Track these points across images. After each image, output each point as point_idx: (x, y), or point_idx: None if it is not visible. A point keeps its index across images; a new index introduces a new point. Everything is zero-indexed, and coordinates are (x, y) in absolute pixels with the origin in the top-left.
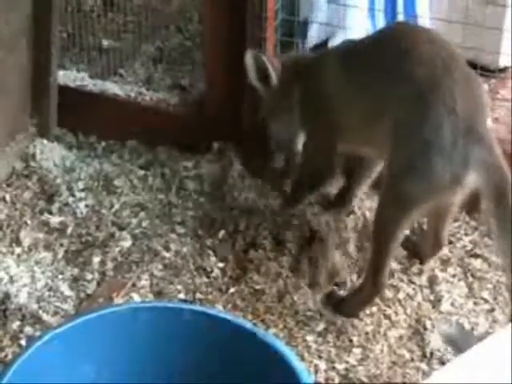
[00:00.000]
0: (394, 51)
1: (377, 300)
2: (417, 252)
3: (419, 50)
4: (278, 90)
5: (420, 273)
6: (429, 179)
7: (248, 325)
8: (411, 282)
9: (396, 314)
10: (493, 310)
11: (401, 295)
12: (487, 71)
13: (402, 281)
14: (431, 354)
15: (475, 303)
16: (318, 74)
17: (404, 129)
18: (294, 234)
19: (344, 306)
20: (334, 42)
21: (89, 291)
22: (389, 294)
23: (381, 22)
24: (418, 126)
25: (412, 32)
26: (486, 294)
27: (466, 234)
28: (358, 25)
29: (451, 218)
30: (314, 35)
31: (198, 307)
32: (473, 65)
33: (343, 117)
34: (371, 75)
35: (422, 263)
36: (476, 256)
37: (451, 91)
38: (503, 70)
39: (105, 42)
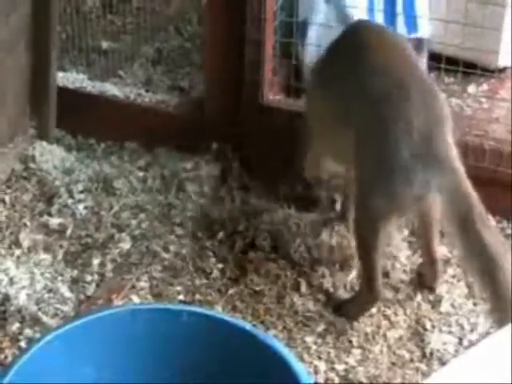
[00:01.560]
0: (352, 58)
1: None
2: (422, 281)
3: (376, 60)
4: None
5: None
6: (390, 197)
7: (247, 326)
8: (411, 282)
9: (395, 314)
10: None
11: (400, 296)
12: (487, 71)
13: (401, 281)
14: (431, 354)
15: (475, 303)
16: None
17: (363, 143)
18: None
19: (344, 309)
20: None
21: (88, 293)
22: (388, 294)
23: (379, 21)
24: (374, 143)
25: (370, 37)
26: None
27: None
28: None
29: (436, 228)
30: (313, 36)
31: (196, 309)
32: (472, 65)
33: (316, 125)
34: (333, 83)
35: (432, 290)
36: None
37: (406, 110)
38: (503, 70)
39: (104, 44)
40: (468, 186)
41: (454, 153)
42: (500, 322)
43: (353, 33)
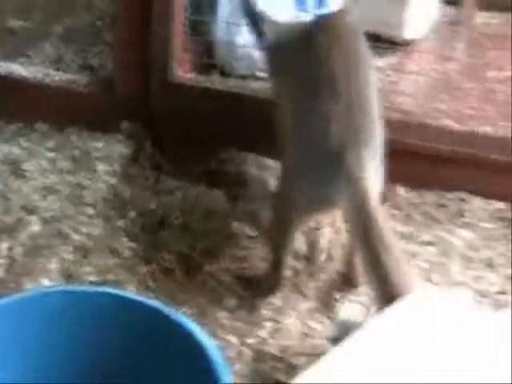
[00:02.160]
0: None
1: (288, 273)
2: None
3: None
4: None
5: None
6: (303, 196)
7: (157, 304)
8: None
9: (307, 286)
10: None
11: (311, 267)
12: (392, 44)
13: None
14: None
15: None
16: None
17: (291, 131)
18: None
19: (252, 287)
20: None
21: None
22: (299, 265)
23: None
24: (296, 136)
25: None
26: None
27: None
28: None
29: None
30: (224, 13)
31: (107, 289)
32: (376, 37)
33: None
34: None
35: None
36: None
37: (327, 115)
38: (409, 42)
39: (12, 23)
40: (370, 205)
41: (367, 168)
42: None
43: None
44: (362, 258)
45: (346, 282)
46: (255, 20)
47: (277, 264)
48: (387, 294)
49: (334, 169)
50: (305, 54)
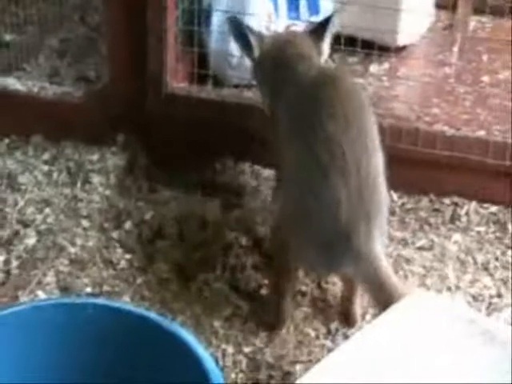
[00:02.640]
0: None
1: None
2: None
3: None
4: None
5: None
6: (303, 253)
7: (152, 315)
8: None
9: (302, 294)
10: None
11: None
12: (386, 50)
13: None
14: (336, 330)
15: None
16: None
17: (291, 175)
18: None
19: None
20: None
21: None
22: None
23: (283, 6)
24: (299, 189)
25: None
26: None
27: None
28: (260, 10)
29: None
30: (216, 24)
31: (102, 301)
32: (370, 43)
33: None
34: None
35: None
36: None
37: (337, 195)
38: (402, 48)
39: (7, 37)
40: (386, 277)
41: (379, 244)
42: None
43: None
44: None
45: (345, 318)
46: (245, 39)
47: (280, 305)
48: None
49: (342, 246)
50: (306, 100)
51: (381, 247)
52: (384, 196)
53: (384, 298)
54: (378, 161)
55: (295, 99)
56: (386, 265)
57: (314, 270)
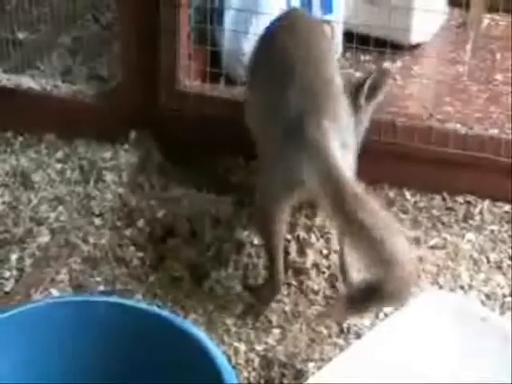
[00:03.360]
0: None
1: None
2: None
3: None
4: None
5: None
6: (271, 182)
7: (164, 313)
8: (328, 258)
9: (314, 292)
10: None
11: (317, 273)
12: (399, 48)
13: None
14: (348, 329)
15: None
16: None
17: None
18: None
19: (256, 294)
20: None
21: (7, 289)
22: (311, 271)
23: (296, 4)
24: (262, 125)
25: (288, 23)
26: None
27: None
28: (274, 9)
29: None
30: (229, 22)
31: (114, 299)
32: (383, 41)
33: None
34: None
35: None
36: None
37: (286, 86)
38: (416, 46)
39: (20, 35)
40: (338, 170)
41: (331, 139)
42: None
43: (275, 23)
44: (346, 238)
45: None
46: None
47: (272, 266)
48: (390, 273)
49: (295, 139)
50: (266, 47)
51: (338, 144)
52: (342, 105)
53: (337, 202)
54: (328, 65)
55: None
56: (340, 164)
57: (284, 192)
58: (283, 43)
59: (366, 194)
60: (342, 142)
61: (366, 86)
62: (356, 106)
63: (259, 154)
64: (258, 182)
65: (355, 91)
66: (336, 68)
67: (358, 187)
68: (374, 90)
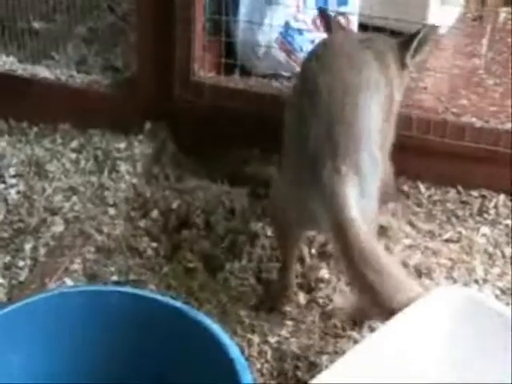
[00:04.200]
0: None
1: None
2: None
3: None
4: None
5: None
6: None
7: (177, 304)
8: None
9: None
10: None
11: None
12: None
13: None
14: (361, 322)
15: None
16: None
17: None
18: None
19: (268, 290)
20: None
21: (21, 278)
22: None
23: None
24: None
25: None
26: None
27: None
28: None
29: None
30: (244, 13)
31: (127, 289)
32: (399, 34)
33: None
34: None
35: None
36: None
37: (308, 124)
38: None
39: (36, 25)
40: (351, 222)
41: (347, 186)
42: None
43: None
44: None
45: None
46: None
47: (284, 270)
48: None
49: (310, 180)
50: (310, 62)
51: (356, 193)
52: (372, 153)
53: (345, 253)
54: (366, 106)
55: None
56: (352, 215)
57: (297, 226)
58: (320, 66)
59: (377, 249)
60: (361, 190)
61: (414, 43)
62: (402, 64)
63: (283, 154)
64: (275, 184)
65: (401, 48)
66: (376, 103)
67: (369, 241)
68: (419, 46)
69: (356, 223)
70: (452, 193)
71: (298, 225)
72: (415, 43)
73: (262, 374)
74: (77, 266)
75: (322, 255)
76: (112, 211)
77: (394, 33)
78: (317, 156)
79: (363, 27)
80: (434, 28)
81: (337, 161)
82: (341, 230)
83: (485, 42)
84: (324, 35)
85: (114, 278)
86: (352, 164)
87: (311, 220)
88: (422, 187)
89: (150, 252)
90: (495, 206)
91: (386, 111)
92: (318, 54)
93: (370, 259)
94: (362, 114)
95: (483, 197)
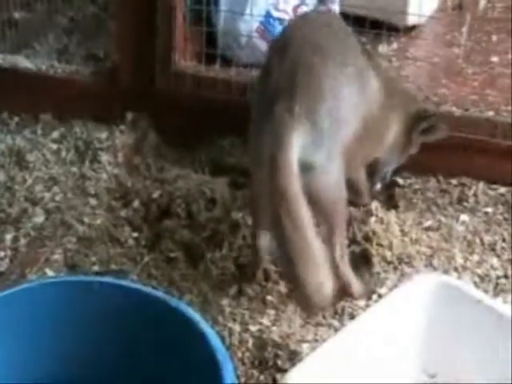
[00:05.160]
0: None
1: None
2: None
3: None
4: None
5: None
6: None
7: (159, 293)
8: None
9: None
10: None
11: None
12: (395, 30)
13: None
14: (342, 310)
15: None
16: None
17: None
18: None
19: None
20: None
21: (1, 269)
22: None
23: None
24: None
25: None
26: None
27: None
28: None
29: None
30: (225, 3)
31: (108, 279)
32: (379, 23)
33: None
34: None
35: None
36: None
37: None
38: (412, 28)
39: (16, 15)
40: (285, 163)
41: (297, 128)
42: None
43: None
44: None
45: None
46: None
47: (253, 245)
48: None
49: (265, 119)
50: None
51: (302, 138)
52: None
53: (273, 194)
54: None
55: None
56: (292, 158)
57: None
58: (291, 30)
59: (305, 216)
60: (313, 139)
61: (424, 124)
62: (407, 137)
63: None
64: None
65: (412, 122)
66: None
67: (298, 200)
68: (430, 129)
69: (290, 167)
70: (432, 181)
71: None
72: (423, 125)
73: (243, 363)
74: (58, 256)
75: None
76: (93, 201)
77: (374, 22)
78: (274, 97)
79: (344, 16)
80: (445, 129)
81: (292, 101)
82: (272, 168)
83: (464, 30)
84: None
85: (95, 268)
86: (307, 110)
87: (261, 164)
88: (401, 176)
89: (131, 242)
90: (475, 194)
91: (365, 104)
92: (291, 24)
93: (289, 205)
94: (334, 72)
95: (463, 185)
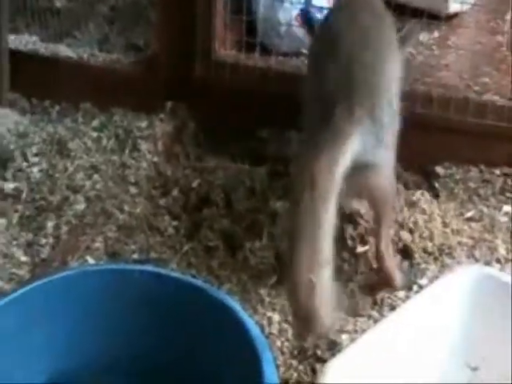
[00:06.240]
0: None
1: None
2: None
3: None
4: None
5: None
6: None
7: (198, 282)
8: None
9: (349, 264)
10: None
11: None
12: (436, 18)
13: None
14: (381, 301)
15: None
16: None
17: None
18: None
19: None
20: None
21: (43, 256)
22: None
23: None
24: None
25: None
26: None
27: None
28: None
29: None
30: None
31: (148, 267)
32: (421, 11)
33: None
34: None
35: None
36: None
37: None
38: (453, 16)
39: (58, 3)
40: (336, 157)
41: (358, 128)
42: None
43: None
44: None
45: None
46: None
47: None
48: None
49: (322, 121)
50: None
51: (365, 138)
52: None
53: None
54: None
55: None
56: (345, 153)
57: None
58: (337, 20)
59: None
60: (376, 137)
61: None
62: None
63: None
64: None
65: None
66: (395, 54)
67: (327, 199)
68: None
69: (341, 161)
70: (474, 171)
71: None
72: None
73: (283, 353)
74: (98, 244)
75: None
76: (133, 190)
77: (415, 10)
78: (332, 97)
79: (386, 3)
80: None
81: (352, 102)
82: (316, 160)
83: (508, 18)
84: None
85: (135, 256)
86: (368, 108)
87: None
88: (444, 166)
89: (170, 230)
90: None
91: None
92: (335, 10)
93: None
94: (384, 60)
95: (505, 175)
